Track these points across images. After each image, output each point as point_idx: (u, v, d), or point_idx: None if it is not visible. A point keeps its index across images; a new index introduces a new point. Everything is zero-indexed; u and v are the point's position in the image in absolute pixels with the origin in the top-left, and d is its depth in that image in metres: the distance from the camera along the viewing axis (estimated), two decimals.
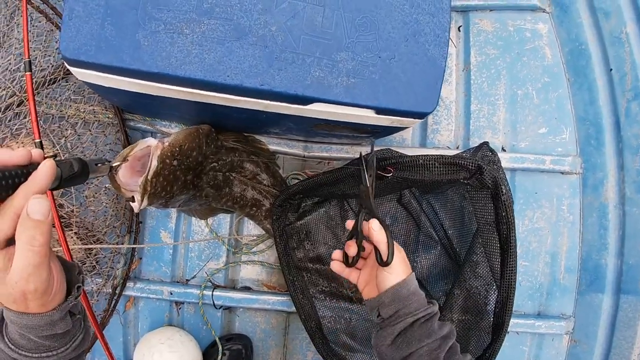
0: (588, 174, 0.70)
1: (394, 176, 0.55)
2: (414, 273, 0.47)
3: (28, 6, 0.56)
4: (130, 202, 0.50)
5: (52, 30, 0.64)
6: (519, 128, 0.71)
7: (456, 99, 0.71)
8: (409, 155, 0.56)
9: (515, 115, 0.71)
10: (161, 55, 0.44)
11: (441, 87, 0.51)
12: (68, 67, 0.47)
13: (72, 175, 0.35)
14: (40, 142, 0.54)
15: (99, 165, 0.41)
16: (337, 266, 0.50)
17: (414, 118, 0.52)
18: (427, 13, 0.50)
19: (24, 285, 0.29)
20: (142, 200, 0.49)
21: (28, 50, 0.54)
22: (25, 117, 0.62)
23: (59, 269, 0.33)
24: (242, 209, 0.64)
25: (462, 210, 0.66)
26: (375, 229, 0.45)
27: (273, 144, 0.68)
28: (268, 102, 0.47)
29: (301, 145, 0.68)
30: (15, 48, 0.61)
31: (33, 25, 0.62)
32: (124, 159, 0.48)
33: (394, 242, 0.45)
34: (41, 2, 0.62)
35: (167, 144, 0.52)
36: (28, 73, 0.54)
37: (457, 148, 0.69)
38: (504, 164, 0.67)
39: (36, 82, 0.61)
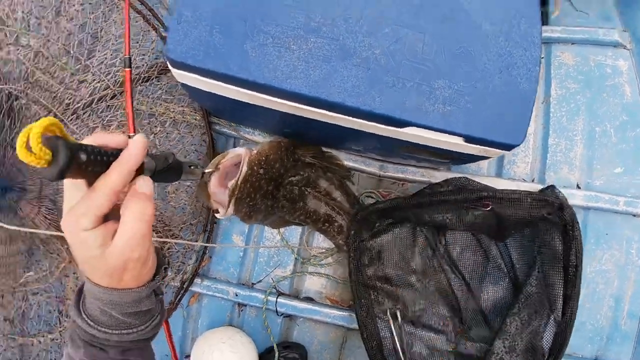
0: None
1: (491, 210, 0.57)
2: None
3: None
4: (216, 214, 0.54)
5: (148, 30, 0.69)
6: (595, 166, 0.69)
7: (534, 131, 0.71)
8: (499, 190, 0.58)
9: (592, 152, 0.70)
10: (268, 67, 0.47)
11: (530, 121, 0.52)
12: (171, 68, 0.51)
13: (166, 168, 0.35)
14: (131, 136, 0.59)
15: (192, 167, 0.41)
16: None
17: (501, 149, 0.53)
18: (520, 46, 0.52)
19: (129, 253, 0.30)
20: (228, 205, 0.52)
21: (129, 47, 0.59)
22: (117, 110, 0.67)
23: (153, 246, 0.34)
24: (315, 223, 0.66)
25: (531, 247, 0.66)
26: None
27: (349, 161, 0.70)
28: (364, 121, 0.49)
29: (377, 164, 0.70)
30: (112, 44, 0.66)
31: (131, 25, 0.68)
32: (216, 167, 0.52)
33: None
34: (139, 3, 0.68)
35: (255, 152, 0.55)
36: (128, 69, 0.59)
37: (533, 181, 0.69)
38: (577, 201, 0.66)
39: (136, 78, 0.66)
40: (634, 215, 0.68)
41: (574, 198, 0.66)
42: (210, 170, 0.51)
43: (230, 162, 0.54)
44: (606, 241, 0.68)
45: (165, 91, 0.69)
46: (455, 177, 0.64)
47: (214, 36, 0.47)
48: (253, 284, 0.74)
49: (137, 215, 0.30)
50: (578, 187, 0.70)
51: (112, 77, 0.65)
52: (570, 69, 0.73)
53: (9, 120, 0.60)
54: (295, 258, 0.73)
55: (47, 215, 0.63)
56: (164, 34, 0.67)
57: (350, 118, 0.49)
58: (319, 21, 0.47)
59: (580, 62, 0.73)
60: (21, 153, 0.25)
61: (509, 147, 0.52)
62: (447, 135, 0.50)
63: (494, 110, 0.50)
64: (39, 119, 0.67)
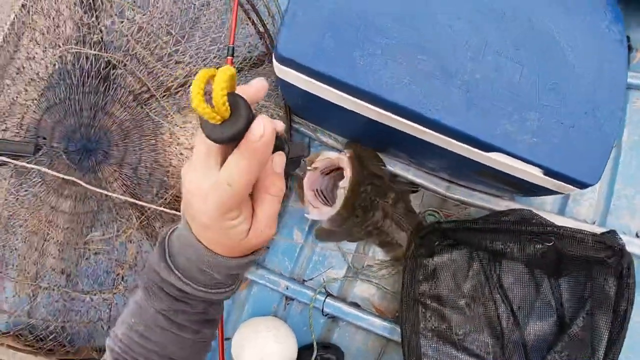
0: None
1: (553, 245, 0.61)
2: None
3: None
4: (306, 214, 0.58)
5: (246, 24, 0.75)
6: None
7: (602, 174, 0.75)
8: (564, 227, 0.62)
9: None
10: (374, 76, 0.52)
11: (607, 163, 0.55)
12: (276, 63, 0.56)
13: (294, 158, 0.34)
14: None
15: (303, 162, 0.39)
16: None
17: (575, 186, 0.56)
18: (606, 90, 0.55)
19: (268, 232, 0.31)
20: (340, 209, 0.56)
21: (234, 37, 0.66)
22: (209, 95, 0.73)
23: None
24: (379, 235, 0.70)
25: (583, 288, 0.68)
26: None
27: (418, 177, 0.74)
28: (454, 141, 0.53)
29: (444, 185, 0.74)
30: (213, 31, 0.72)
31: (229, 16, 0.74)
32: (312, 163, 0.57)
33: None
34: None
35: (348, 155, 0.59)
36: (230, 57, 0.65)
37: (594, 223, 0.72)
38: (634, 249, 0.69)
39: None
40: None
41: (632, 246, 0.68)
42: (315, 167, 0.56)
43: (324, 164, 0.59)
44: None
45: None
46: (520, 209, 0.67)
47: (325, 40, 0.53)
48: (304, 280, 0.78)
49: (275, 197, 0.31)
50: (637, 235, 0.72)
51: (208, 63, 0.71)
52: None
53: (104, 87, 0.66)
54: (349, 267, 0.77)
55: (125, 182, 0.68)
56: (261, 30, 0.73)
57: (442, 136, 0.53)
58: (428, 40, 0.52)
59: None
60: (197, 101, 0.23)
61: (583, 186, 0.56)
62: (528, 165, 0.54)
63: (575, 148, 0.54)
64: (132, 89, 0.73)
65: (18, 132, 0.66)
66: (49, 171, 0.60)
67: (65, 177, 0.61)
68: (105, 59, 0.65)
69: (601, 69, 0.55)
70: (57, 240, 0.69)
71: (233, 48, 0.64)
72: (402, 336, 0.68)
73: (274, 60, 0.58)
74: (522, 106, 0.52)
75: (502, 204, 0.74)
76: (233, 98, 0.25)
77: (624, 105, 0.56)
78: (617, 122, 0.55)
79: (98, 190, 0.63)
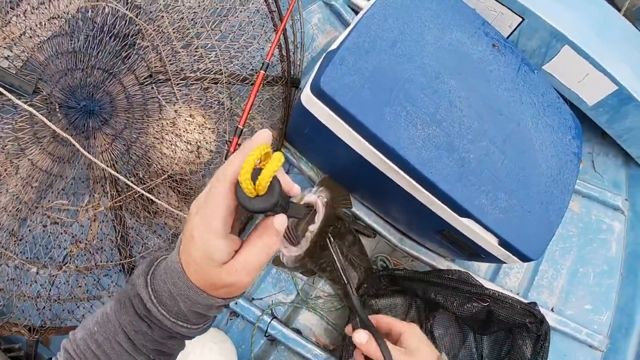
0: (609, 355, 1.02)
1: (487, 306, 0.86)
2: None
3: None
4: (282, 250, 0.74)
5: (269, 41, 0.91)
6: (571, 298, 1.03)
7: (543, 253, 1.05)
8: (500, 292, 0.88)
9: (571, 287, 1.04)
10: (395, 133, 0.72)
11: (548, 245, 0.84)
12: (311, 94, 0.74)
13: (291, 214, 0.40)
14: (242, 130, 0.79)
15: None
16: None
17: (520, 259, 0.83)
18: (559, 189, 0.84)
19: (244, 277, 0.37)
20: (305, 247, 0.73)
21: (272, 55, 0.81)
22: (220, 94, 0.86)
23: None
24: (332, 272, 0.88)
25: (502, 346, 0.95)
26: (360, 341, 0.53)
27: (376, 224, 0.96)
28: (438, 202, 0.75)
29: (397, 236, 0.97)
30: (244, 40, 0.87)
31: (264, 31, 0.89)
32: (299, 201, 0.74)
33: (416, 328, 0.58)
34: (277, 17, 0.90)
35: (325, 200, 0.77)
36: (262, 72, 0.80)
37: (518, 294, 1.01)
38: (549, 321, 0.98)
39: (242, 76, 0.86)
40: (590, 346, 1.01)
41: (547, 318, 0.97)
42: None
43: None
44: None
45: (261, 100, 0.91)
46: (459, 270, 0.93)
47: (364, 90, 0.72)
48: (253, 298, 0.92)
49: (266, 247, 0.37)
50: (552, 310, 1.03)
51: (231, 68, 0.85)
52: (574, 216, 1.10)
53: (126, 54, 0.76)
54: (298, 294, 0.94)
55: (114, 155, 0.77)
56: (283, 54, 0.90)
57: (431, 195, 0.75)
58: (442, 116, 0.75)
59: (584, 212, 1.11)
60: (245, 176, 0.31)
61: (526, 259, 0.82)
62: (489, 234, 0.79)
63: (528, 229, 0.80)
64: (150, 66, 0.83)
65: (17, 66, 0.70)
66: (47, 122, 0.66)
67: (61, 132, 0.68)
68: (137, 26, 0.75)
69: (559, 172, 0.84)
70: (17, 196, 0.73)
71: (269, 64, 0.79)
72: None
73: (307, 88, 0.75)
74: (497, 187, 0.77)
75: (444, 263, 1.00)
76: (274, 183, 0.33)
77: (568, 204, 0.86)
78: (561, 216, 0.83)
79: (89, 156, 0.70)
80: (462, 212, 0.75)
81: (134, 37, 0.76)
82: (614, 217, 1.12)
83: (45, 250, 0.76)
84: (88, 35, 0.73)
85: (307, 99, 0.74)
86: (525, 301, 0.95)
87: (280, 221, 0.38)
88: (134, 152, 0.78)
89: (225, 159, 0.78)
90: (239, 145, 0.85)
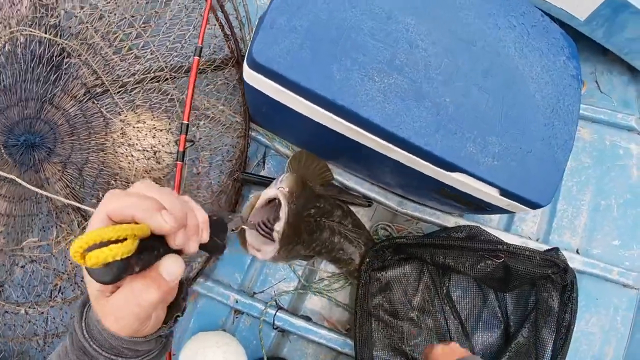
0: None
1: (502, 262, 0.67)
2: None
3: None
4: (256, 255, 0.57)
5: (214, 25, 0.74)
6: (596, 236, 0.82)
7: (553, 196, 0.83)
8: (513, 245, 0.68)
9: (594, 223, 0.83)
10: (349, 91, 0.54)
11: (558, 186, 0.62)
12: (247, 69, 0.57)
13: (214, 234, 0.34)
14: (187, 125, 0.63)
15: (230, 218, 0.40)
16: None
17: (528, 207, 0.62)
18: (561, 120, 0.62)
19: (113, 323, 0.29)
20: (279, 248, 0.56)
21: (203, 37, 0.64)
22: (166, 95, 0.71)
23: (164, 310, 0.32)
24: (329, 253, 0.72)
25: (527, 300, 0.76)
26: None
27: (371, 191, 0.77)
28: (420, 160, 0.57)
29: (396, 200, 0.77)
30: (178, 28, 0.70)
31: (194, 15, 0.72)
32: (251, 209, 0.57)
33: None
34: None
35: (287, 190, 0.60)
36: (197, 57, 0.64)
37: (537, 240, 0.80)
38: (575, 265, 0.78)
39: (186, 67, 0.70)
40: (624, 286, 0.81)
41: (573, 262, 0.77)
42: (250, 220, 0.56)
43: (262, 204, 0.58)
44: (595, 306, 0.80)
45: (214, 87, 0.74)
46: (468, 225, 0.73)
47: (303, 50, 0.54)
48: (254, 293, 0.78)
49: (133, 296, 0.28)
50: (577, 252, 0.82)
51: (170, 61, 0.68)
52: (586, 145, 0.86)
53: (55, 76, 0.62)
54: (299, 280, 0.78)
55: (68, 183, 0.64)
56: (227, 32, 0.72)
57: (409, 154, 0.57)
58: (402, 61, 0.55)
59: (596, 139, 0.87)
60: (73, 253, 0.24)
61: (535, 206, 0.62)
62: (487, 185, 0.59)
63: (531, 172, 0.60)
64: (85, 82, 0.68)
65: None
66: None
67: (3, 174, 0.56)
68: (60, 46, 0.61)
69: (558, 100, 0.62)
70: None
71: (201, 49, 0.62)
72: (355, 349, 0.71)
73: (244, 64, 0.58)
74: (485, 131, 0.57)
75: (451, 220, 0.80)
76: (111, 265, 0.26)
77: (575, 135, 0.64)
78: (569, 150, 0.62)
79: (40, 191, 0.58)
80: (449, 167, 0.57)
81: (59, 57, 0.62)
82: (630, 139, 0.87)
83: (29, 289, 0.65)
84: (14, 70, 0.59)
85: (248, 75, 0.57)
86: (546, 247, 0.74)
87: (168, 267, 0.29)
88: (88, 173, 0.65)
89: (177, 159, 0.63)
90: (192, 142, 0.69)
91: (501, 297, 0.78)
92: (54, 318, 0.67)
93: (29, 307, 0.65)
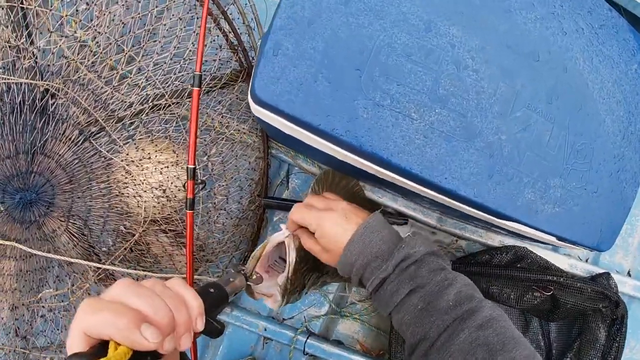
0: None
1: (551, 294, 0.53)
2: (362, 227, 0.38)
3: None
4: (268, 303, 0.45)
5: (217, 35, 0.56)
6: None
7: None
8: (564, 274, 0.54)
9: None
10: (379, 135, 0.38)
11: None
12: (253, 104, 0.41)
13: (212, 304, 0.31)
14: (194, 169, 0.49)
15: (232, 280, 0.36)
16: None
17: (586, 250, 0.48)
18: (632, 148, 0.45)
19: None
20: (283, 301, 0.44)
21: (201, 64, 0.48)
22: (167, 123, 0.56)
23: None
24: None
25: (572, 329, 0.62)
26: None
27: (407, 208, 0.62)
28: (466, 207, 0.42)
29: (435, 216, 0.62)
30: (174, 47, 0.54)
31: (193, 24, 0.55)
32: (257, 260, 0.43)
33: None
34: (212, 2, 0.55)
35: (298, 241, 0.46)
36: (196, 88, 0.48)
37: (587, 261, 0.65)
38: (626, 288, 0.63)
39: (189, 90, 0.54)
40: None
41: (624, 285, 0.63)
42: (255, 275, 0.43)
43: (270, 250, 0.45)
44: None
45: (224, 107, 0.58)
46: (516, 246, 0.59)
47: (318, 82, 0.37)
48: (284, 319, 0.67)
49: None
50: (629, 274, 0.66)
51: (169, 85, 0.53)
52: None
53: (42, 122, 0.48)
54: (331, 306, 0.66)
55: (74, 234, 0.52)
56: (233, 42, 0.55)
57: (453, 201, 0.42)
58: (448, 90, 0.38)
59: None
60: None
61: (595, 250, 0.47)
62: (544, 234, 0.44)
63: (595, 216, 0.44)
64: (77, 122, 0.54)
65: None
66: None
67: (2, 242, 0.45)
68: (42, 88, 0.46)
69: (629, 124, 0.45)
70: (7, 302, 0.53)
71: (200, 77, 0.46)
72: None
73: (249, 97, 0.42)
74: (547, 171, 0.41)
75: (495, 239, 0.65)
76: None
77: None
78: (637, 184, 0.45)
79: (41, 254, 0.47)
80: (502, 217, 0.41)
81: (42, 100, 0.47)
82: None
83: (52, 338, 0.57)
84: None
85: (255, 110, 0.42)
86: (596, 269, 0.60)
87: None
88: (94, 221, 0.53)
89: (186, 207, 0.50)
90: (203, 183, 0.55)
91: (545, 323, 0.65)
92: None
93: (53, 352, 0.57)
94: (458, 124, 0.39)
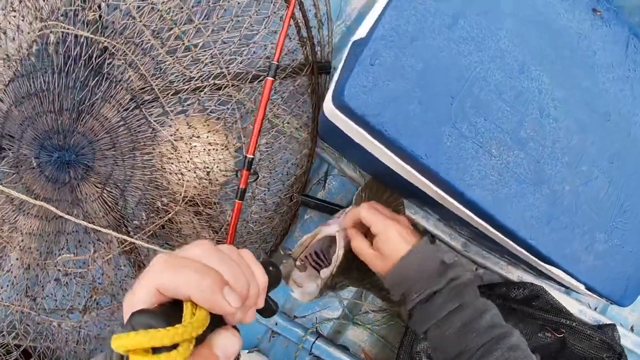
0: None
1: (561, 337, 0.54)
2: (421, 243, 0.40)
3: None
4: (295, 291, 0.44)
5: (290, 25, 0.52)
6: None
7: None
8: (579, 322, 0.55)
9: None
10: (458, 164, 0.37)
11: None
12: (334, 107, 0.39)
13: (271, 284, 0.30)
14: (252, 159, 0.46)
15: (284, 262, 0.36)
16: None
17: (608, 301, 0.49)
18: None
19: None
20: (318, 295, 0.42)
21: (280, 54, 0.44)
22: (223, 105, 0.52)
23: None
24: (380, 291, 0.58)
25: None
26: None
27: (436, 229, 0.62)
28: (517, 246, 0.42)
29: (461, 241, 0.62)
30: (245, 28, 0.49)
31: (274, 12, 0.51)
32: (305, 248, 0.41)
33: (391, 231, 0.40)
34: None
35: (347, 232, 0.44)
36: (270, 79, 0.44)
37: (596, 309, 0.67)
38: (627, 342, 0.65)
39: (252, 74, 0.50)
40: None
41: (625, 339, 0.65)
42: (300, 262, 0.42)
43: (319, 241, 0.43)
44: None
45: (282, 98, 0.54)
46: (532, 283, 0.60)
47: (410, 101, 0.36)
48: (295, 316, 0.66)
49: None
50: (632, 329, 0.68)
51: (234, 67, 0.49)
52: None
53: (95, 81, 0.43)
54: (344, 311, 0.65)
55: (108, 203, 0.48)
56: (303, 35, 0.51)
57: (504, 237, 0.41)
58: (529, 133, 0.38)
59: None
60: (118, 350, 0.19)
61: (615, 303, 0.49)
62: (577, 281, 0.45)
63: (626, 274, 0.45)
64: (131, 87, 0.49)
65: None
66: (11, 192, 0.38)
67: (31, 200, 0.40)
68: (102, 45, 0.41)
69: None
70: (21, 261, 0.48)
71: (277, 67, 0.43)
72: None
73: (328, 100, 0.40)
74: (595, 226, 0.42)
75: (515, 274, 0.65)
76: None
77: None
78: None
79: (73, 219, 0.43)
80: (548, 261, 0.41)
81: (100, 58, 0.42)
82: None
83: (62, 302, 0.52)
84: (47, 72, 0.40)
85: (331, 112, 0.39)
86: (603, 319, 0.62)
87: (221, 346, 0.21)
88: (131, 192, 0.49)
89: (237, 197, 0.47)
90: (256, 175, 0.52)
91: None
92: (88, 332, 0.55)
93: (61, 318, 0.53)
94: (531, 168, 0.38)
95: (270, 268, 0.31)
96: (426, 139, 0.36)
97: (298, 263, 0.42)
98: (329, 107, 0.39)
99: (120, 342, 0.18)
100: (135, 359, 0.18)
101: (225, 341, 0.21)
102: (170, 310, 0.19)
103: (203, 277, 0.20)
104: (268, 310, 0.29)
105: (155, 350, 0.18)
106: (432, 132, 0.36)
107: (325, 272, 0.42)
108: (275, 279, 0.32)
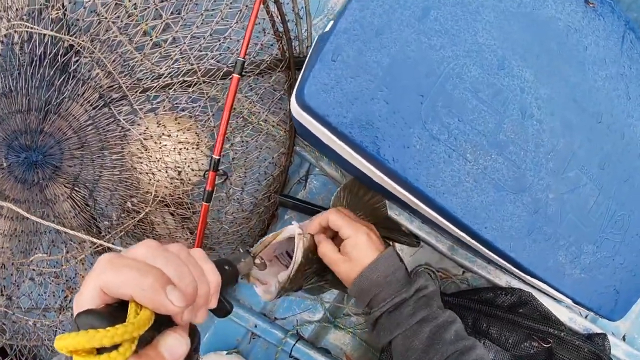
0: None
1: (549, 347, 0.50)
2: (389, 251, 0.39)
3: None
4: (259, 290, 0.41)
5: (262, 18, 0.49)
6: None
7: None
8: (567, 332, 0.51)
9: None
10: (428, 170, 0.33)
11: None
12: (297, 107, 0.36)
13: (226, 282, 0.28)
14: (218, 160, 0.43)
15: (242, 260, 0.34)
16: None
17: (597, 316, 0.45)
18: None
19: None
20: (275, 296, 0.40)
21: (246, 49, 0.41)
22: (194, 102, 0.49)
23: None
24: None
25: None
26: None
27: (421, 231, 0.58)
28: (495, 255, 0.38)
29: (447, 244, 0.58)
30: (216, 22, 0.46)
31: (245, 6, 0.48)
32: (265, 247, 0.39)
33: (360, 235, 0.38)
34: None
35: (308, 235, 0.41)
36: (237, 75, 0.41)
37: (586, 317, 0.62)
38: (618, 352, 0.60)
39: (224, 71, 0.47)
40: None
41: (616, 349, 0.60)
42: (259, 260, 0.39)
43: (280, 240, 0.41)
44: None
45: (257, 94, 0.51)
46: (521, 289, 0.56)
47: (375, 100, 0.32)
48: (276, 318, 0.63)
49: None
50: (624, 339, 0.63)
51: (204, 63, 0.46)
52: None
53: (61, 80, 0.41)
54: (325, 313, 0.62)
55: (77, 203, 0.46)
56: (279, 28, 0.48)
57: (484, 249, 0.38)
58: (508, 136, 0.34)
59: None
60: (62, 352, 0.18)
61: (606, 319, 0.44)
62: (563, 295, 0.41)
63: (615, 287, 0.41)
64: (99, 85, 0.47)
65: None
66: None
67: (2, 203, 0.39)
68: (67, 43, 0.39)
69: None
70: None
71: (243, 63, 0.40)
72: None
73: (293, 100, 0.36)
74: (583, 238, 0.37)
75: (503, 279, 0.61)
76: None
77: None
78: None
79: (37, 219, 0.41)
80: (529, 274, 0.37)
81: (65, 57, 0.40)
82: None
83: (37, 300, 0.51)
84: (13, 72, 0.39)
85: (296, 112, 0.36)
86: (593, 327, 0.58)
87: (168, 348, 0.20)
88: (100, 192, 0.47)
89: (203, 199, 0.44)
90: (225, 176, 0.49)
91: None
92: (63, 330, 0.54)
93: (37, 317, 0.52)
94: (511, 174, 0.34)
95: (226, 267, 0.30)
96: (393, 142, 0.33)
97: (257, 261, 0.39)
98: (293, 106, 0.36)
99: (62, 343, 0.17)
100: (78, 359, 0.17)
101: (172, 342, 0.21)
102: (116, 311, 0.19)
103: (144, 276, 0.19)
104: (222, 309, 0.28)
105: (100, 351, 0.18)
106: (399, 134, 0.33)
107: (283, 275, 0.40)
108: (231, 277, 0.30)
